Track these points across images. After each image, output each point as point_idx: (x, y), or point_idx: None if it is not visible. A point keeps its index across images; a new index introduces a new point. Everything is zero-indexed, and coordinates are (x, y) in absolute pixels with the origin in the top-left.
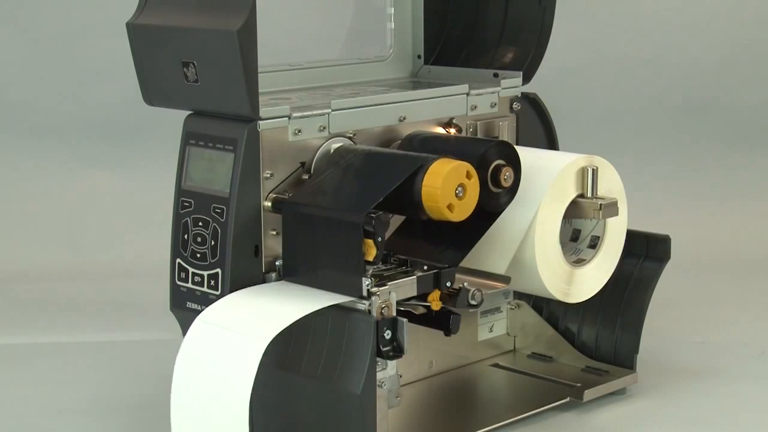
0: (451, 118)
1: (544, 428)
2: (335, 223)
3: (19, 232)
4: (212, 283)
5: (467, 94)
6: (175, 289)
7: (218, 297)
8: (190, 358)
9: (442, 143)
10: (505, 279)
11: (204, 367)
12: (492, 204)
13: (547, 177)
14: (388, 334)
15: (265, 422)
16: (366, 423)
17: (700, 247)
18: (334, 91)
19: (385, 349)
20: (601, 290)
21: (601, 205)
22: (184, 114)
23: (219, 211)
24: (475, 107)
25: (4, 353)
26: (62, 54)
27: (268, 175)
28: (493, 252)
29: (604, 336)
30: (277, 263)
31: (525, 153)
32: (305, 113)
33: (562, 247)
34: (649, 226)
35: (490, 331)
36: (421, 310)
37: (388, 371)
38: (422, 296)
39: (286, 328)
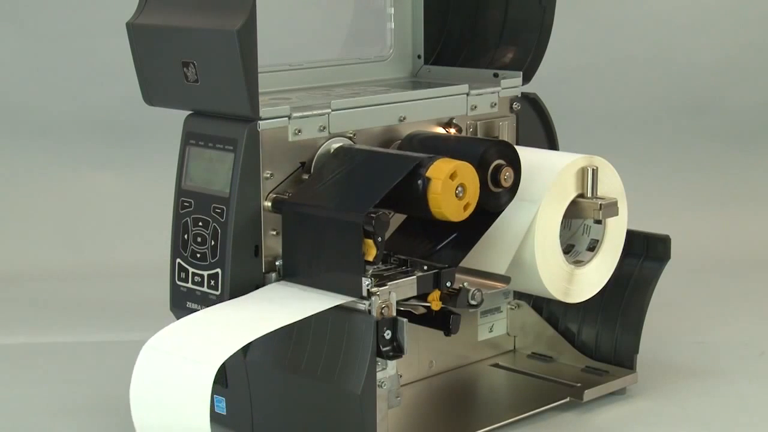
0: (451, 118)
1: (544, 428)
2: (335, 223)
3: (19, 232)
4: (212, 283)
5: (467, 94)
6: (175, 289)
7: (218, 297)
8: (143, 388)
9: (442, 143)
10: (505, 279)
11: (158, 397)
12: (492, 204)
13: (547, 177)
14: (388, 334)
15: (265, 422)
16: (366, 423)
17: (700, 247)
18: (334, 91)
19: (385, 349)
20: (601, 290)
21: (601, 205)
22: (184, 114)
23: (219, 211)
24: (475, 107)
25: (4, 353)
26: (62, 54)
27: (268, 175)
28: (493, 252)
29: (604, 336)
30: (277, 263)
31: (525, 153)
32: (305, 113)
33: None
34: (649, 226)
35: (490, 331)
36: (421, 310)
37: (388, 371)
38: (422, 296)
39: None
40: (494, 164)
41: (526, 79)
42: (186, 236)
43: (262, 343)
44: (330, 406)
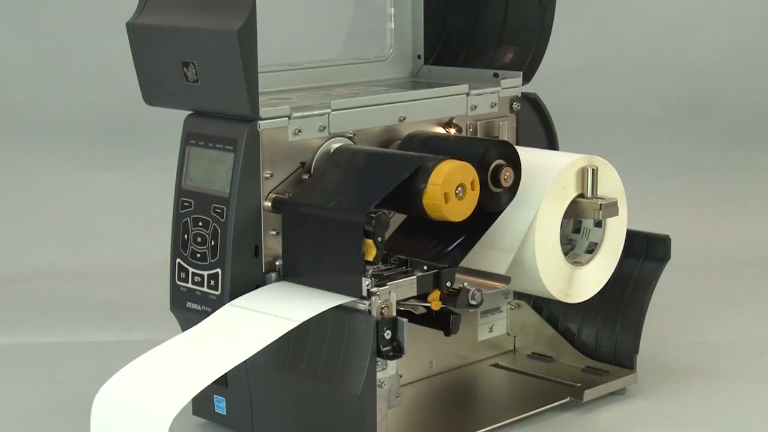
0: (451, 118)
1: (544, 428)
2: (335, 223)
3: (19, 232)
4: (212, 283)
5: (467, 94)
6: (175, 289)
7: (218, 297)
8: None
9: (442, 143)
10: (505, 279)
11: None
12: (492, 204)
13: (547, 177)
14: (388, 334)
15: (265, 422)
16: (366, 423)
17: (700, 247)
18: (334, 91)
19: (385, 349)
20: (601, 290)
21: (601, 205)
22: (184, 114)
23: (219, 211)
24: (475, 107)
25: (4, 353)
26: (62, 54)
27: (268, 175)
28: (493, 252)
29: (604, 336)
30: (277, 263)
31: (525, 153)
32: (305, 113)
33: (562, 247)
34: (649, 226)
35: (490, 331)
36: (421, 310)
37: (388, 371)
38: (422, 296)
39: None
40: (494, 164)
41: (526, 79)
42: (186, 236)
43: None
44: (330, 406)
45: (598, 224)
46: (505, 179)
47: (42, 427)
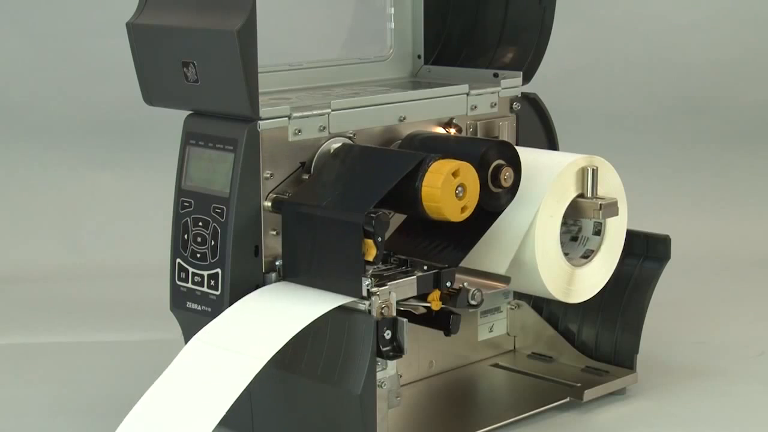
0: (451, 118)
1: (544, 428)
2: (335, 223)
3: (19, 232)
4: (212, 283)
5: (467, 94)
6: (175, 289)
7: (218, 297)
8: (178, 374)
9: (442, 143)
10: (505, 279)
11: (189, 384)
12: (492, 204)
13: (547, 177)
14: (388, 334)
15: (265, 422)
16: (366, 423)
17: (700, 247)
18: (334, 91)
19: (385, 349)
20: (601, 290)
21: (601, 205)
22: (184, 114)
23: (219, 211)
24: (475, 107)
25: (4, 353)
26: (62, 54)
27: (268, 175)
28: (493, 252)
29: (604, 336)
30: (277, 263)
31: (525, 153)
32: (305, 113)
33: (562, 247)
34: (649, 226)
35: (490, 331)
36: (421, 310)
37: (388, 371)
38: (422, 296)
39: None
40: (494, 164)
41: (526, 79)
42: (186, 236)
43: None
44: (330, 406)
45: (597, 233)
46: (505, 179)
47: (42, 427)
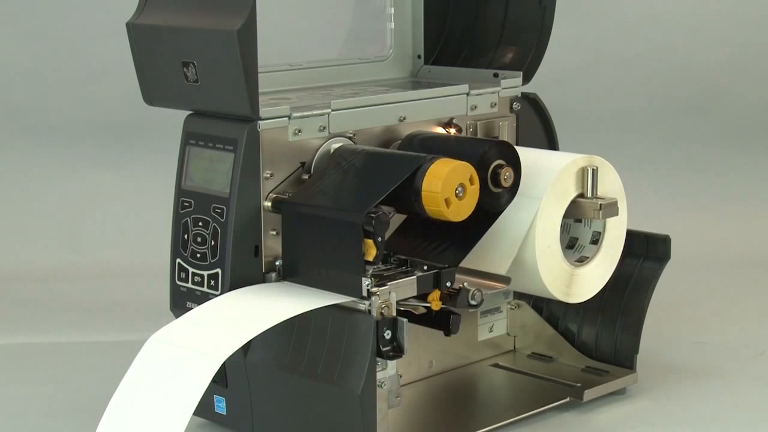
0: (451, 118)
1: (544, 428)
2: (335, 223)
3: (19, 232)
4: (212, 283)
5: (467, 94)
6: (175, 289)
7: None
8: (139, 375)
9: (442, 143)
10: (505, 279)
11: (151, 384)
12: (492, 204)
13: (547, 177)
14: (388, 334)
15: (265, 422)
16: (366, 423)
17: (700, 247)
18: (334, 91)
19: (385, 349)
20: (601, 290)
21: (601, 205)
22: (184, 114)
23: (219, 211)
24: (475, 107)
25: (4, 353)
26: (62, 54)
27: (268, 175)
28: (493, 252)
29: (604, 336)
30: (277, 263)
31: (525, 153)
32: (305, 113)
33: (562, 248)
34: (649, 226)
35: (490, 331)
36: (421, 310)
37: (388, 371)
38: (422, 296)
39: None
40: (494, 164)
41: (526, 79)
42: (186, 236)
43: (262, 343)
44: (330, 406)
45: (594, 242)
46: (505, 179)
47: (42, 427)
